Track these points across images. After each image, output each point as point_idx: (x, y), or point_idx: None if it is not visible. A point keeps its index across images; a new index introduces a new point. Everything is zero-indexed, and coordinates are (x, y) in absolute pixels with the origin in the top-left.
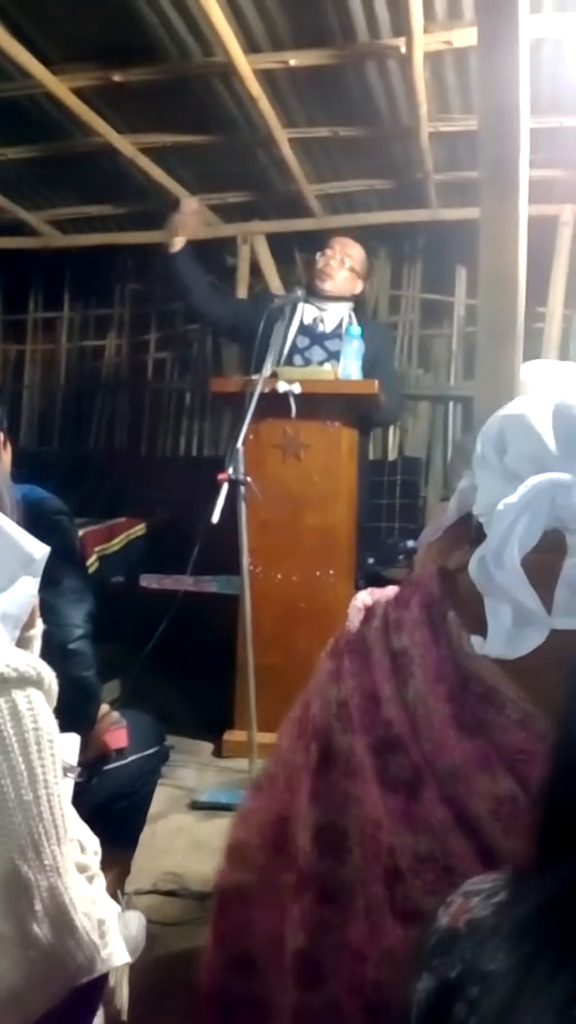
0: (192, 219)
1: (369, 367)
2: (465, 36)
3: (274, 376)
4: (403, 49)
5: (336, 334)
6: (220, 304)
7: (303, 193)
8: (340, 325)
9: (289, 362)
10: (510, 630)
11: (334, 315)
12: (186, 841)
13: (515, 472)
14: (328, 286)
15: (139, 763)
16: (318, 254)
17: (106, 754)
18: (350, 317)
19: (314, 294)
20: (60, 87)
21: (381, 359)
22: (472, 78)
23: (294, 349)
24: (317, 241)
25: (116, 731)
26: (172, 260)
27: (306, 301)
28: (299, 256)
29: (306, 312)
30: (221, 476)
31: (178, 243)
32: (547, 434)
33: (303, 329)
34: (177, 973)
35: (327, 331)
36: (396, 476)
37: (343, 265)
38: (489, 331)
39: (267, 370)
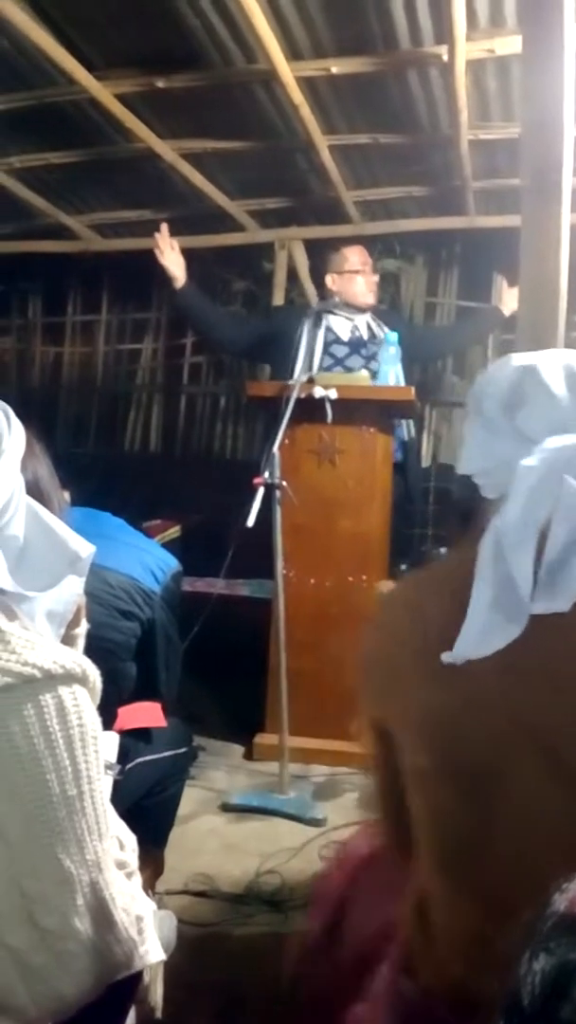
0: (171, 256)
1: (415, 347)
2: (508, 44)
3: (310, 381)
4: (445, 57)
5: (372, 339)
6: (232, 329)
7: (341, 199)
8: (370, 329)
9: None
10: (487, 619)
11: (362, 321)
12: (217, 843)
13: (527, 435)
14: (372, 299)
15: (169, 761)
16: (357, 274)
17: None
18: (376, 320)
19: (356, 309)
20: (104, 93)
21: (412, 332)
22: (513, 85)
23: (335, 361)
24: None
25: (151, 707)
26: (179, 296)
27: (332, 313)
28: None
29: (340, 324)
30: (257, 480)
31: (179, 279)
32: (561, 392)
33: (340, 340)
34: (207, 973)
35: (364, 337)
36: (430, 483)
37: (375, 276)
38: (529, 339)
39: (303, 375)
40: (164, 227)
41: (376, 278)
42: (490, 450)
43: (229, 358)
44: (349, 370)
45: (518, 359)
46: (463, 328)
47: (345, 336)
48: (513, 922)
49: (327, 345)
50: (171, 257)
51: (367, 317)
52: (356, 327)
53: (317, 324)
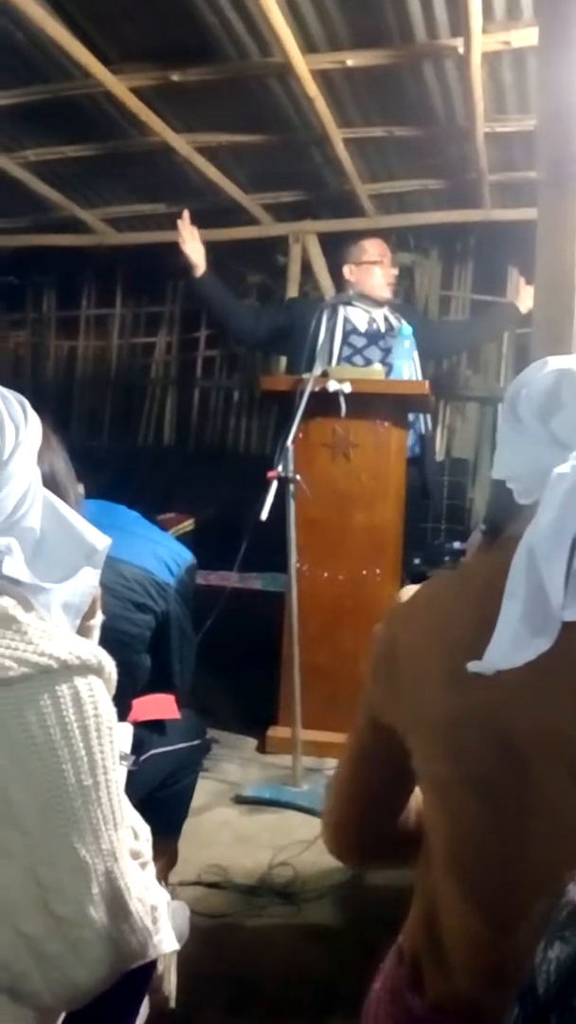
0: (192, 245)
1: (429, 341)
2: (524, 36)
3: (324, 375)
4: (461, 49)
5: (389, 332)
6: (249, 320)
7: (356, 193)
8: (387, 321)
9: (350, 363)
10: (516, 631)
11: (379, 314)
12: (230, 834)
13: (563, 440)
14: (390, 293)
15: (183, 753)
16: (375, 266)
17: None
18: (393, 313)
19: (373, 302)
20: (119, 86)
21: (427, 327)
22: (529, 78)
23: (354, 351)
24: None
25: (165, 699)
26: (198, 284)
27: (352, 304)
28: None
29: (358, 316)
30: (271, 474)
31: (199, 267)
32: None
33: (358, 331)
34: (220, 964)
35: (381, 330)
36: (443, 477)
37: (395, 270)
38: (545, 332)
39: (319, 368)
40: (186, 214)
41: (394, 271)
42: (524, 455)
43: (243, 351)
44: (368, 361)
45: (555, 362)
46: (478, 324)
47: (363, 327)
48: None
49: (346, 335)
50: (192, 245)
51: (384, 310)
52: (373, 319)
53: (333, 316)
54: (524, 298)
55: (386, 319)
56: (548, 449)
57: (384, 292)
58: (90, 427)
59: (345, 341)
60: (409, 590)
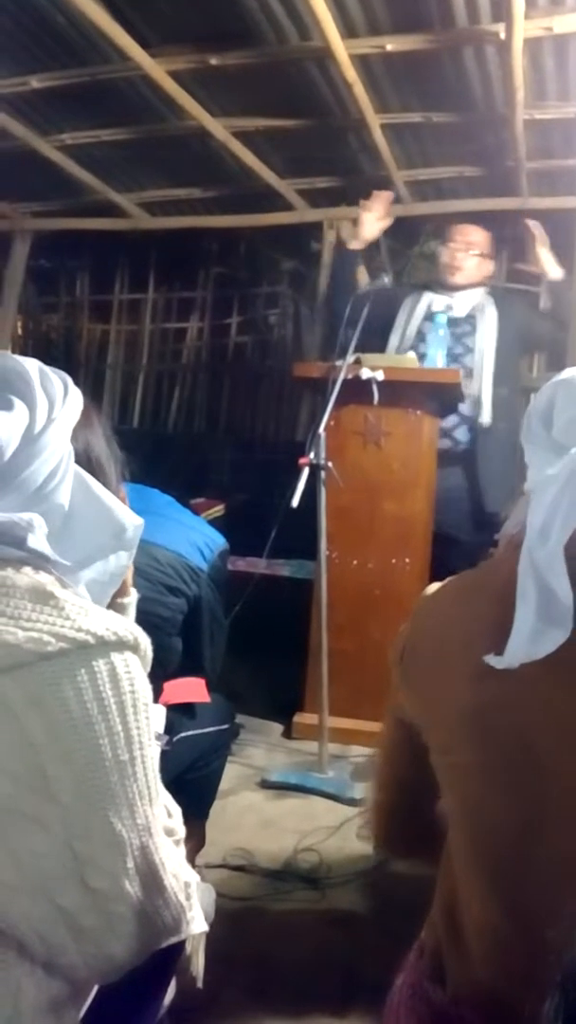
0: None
1: (524, 335)
2: (567, 22)
3: (357, 362)
4: (502, 35)
5: (469, 320)
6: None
7: (392, 179)
8: (474, 309)
9: (416, 350)
10: (533, 627)
11: (466, 301)
12: (256, 819)
13: (561, 442)
14: (458, 278)
15: (212, 736)
16: (441, 247)
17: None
18: (486, 299)
19: (443, 287)
20: (157, 69)
21: (532, 321)
22: (571, 64)
23: (420, 338)
24: (405, 227)
25: (195, 682)
26: (347, 253)
27: (434, 291)
28: (384, 242)
29: (435, 302)
30: (302, 461)
31: (362, 242)
32: None
33: (431, 317)
34: (244, 947)
35: (461, 316)
36: None
37: (469, 254)
38: None
39: (350, 356)
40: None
41: (462, 252)
42: (538, 465)
43: (275, 338)
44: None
45: (564, 373)
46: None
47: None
48: (550, 926)
49: (423, 321)
50: (375, 221)
51: (474, 294)
52: (450, 306)
53: (414, 304)
54: (544, 263)
55: (475, 306)
56: (553, 456)
57: (445, 274)
58: (121, 411)
59: (419, 329)
60: (434, 586)
